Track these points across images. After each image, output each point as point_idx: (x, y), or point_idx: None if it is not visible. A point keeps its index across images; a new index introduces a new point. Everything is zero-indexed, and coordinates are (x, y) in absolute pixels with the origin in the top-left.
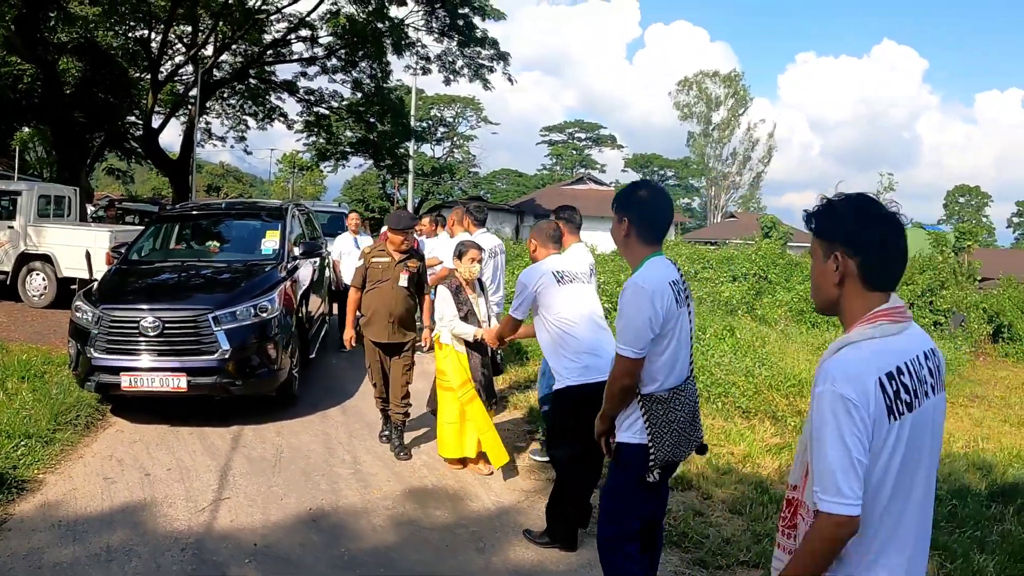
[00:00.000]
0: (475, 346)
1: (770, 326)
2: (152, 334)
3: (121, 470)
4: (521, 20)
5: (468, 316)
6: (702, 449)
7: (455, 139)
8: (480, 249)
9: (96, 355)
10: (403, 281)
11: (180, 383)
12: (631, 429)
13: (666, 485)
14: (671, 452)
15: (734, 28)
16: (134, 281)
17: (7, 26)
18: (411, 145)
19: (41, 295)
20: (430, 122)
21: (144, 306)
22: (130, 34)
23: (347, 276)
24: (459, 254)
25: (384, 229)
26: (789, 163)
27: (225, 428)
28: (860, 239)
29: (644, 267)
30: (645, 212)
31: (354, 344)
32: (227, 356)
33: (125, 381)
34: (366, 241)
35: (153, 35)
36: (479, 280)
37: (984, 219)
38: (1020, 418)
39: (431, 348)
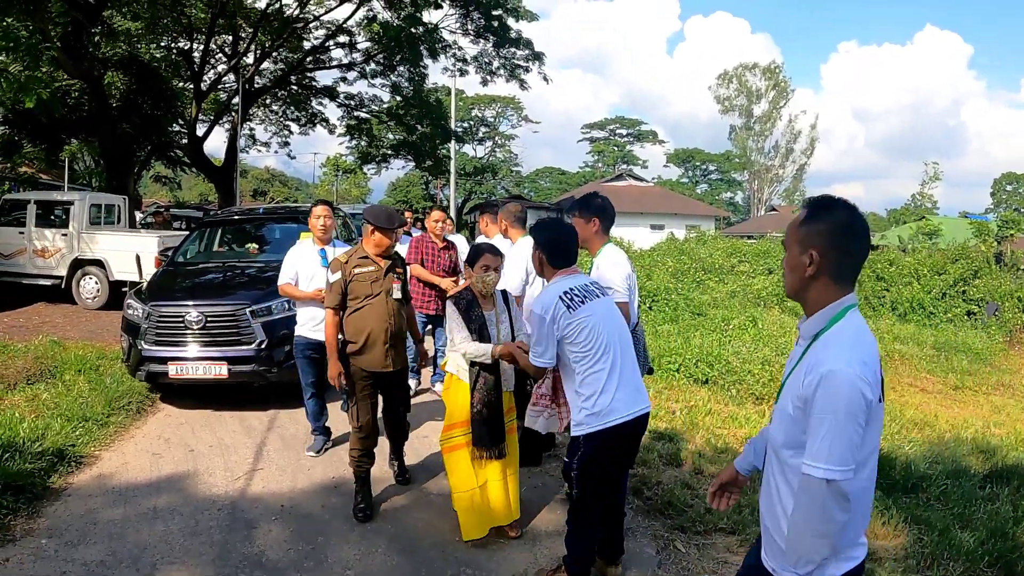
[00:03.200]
0: (485, 382)
1: (799, 317)
2: (196, 327)
3: (168, 447)
4: (560, 18)
5: (480, 338)
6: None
7: (496, 139)
8: (497, 254)
9: (146, 347)
10: (397, 292)
11: (221, 371)
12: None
13: None
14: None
15: (775, 18)
16: (180, 280)
17: (54, 44)
18: (452, 146)
19: (94, 297)
20: (471, 122)
21: (189, 302)
22: (172, 46)
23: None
24: (471, 260)
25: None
26: (834, 154)
27: (263, 412)
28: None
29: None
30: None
31: (344, 383)
32: (263, 346)
33: (172, 370)
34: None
35: (195, 46)
36: (502, 292)
37: None
38: None
39: (426, 365)
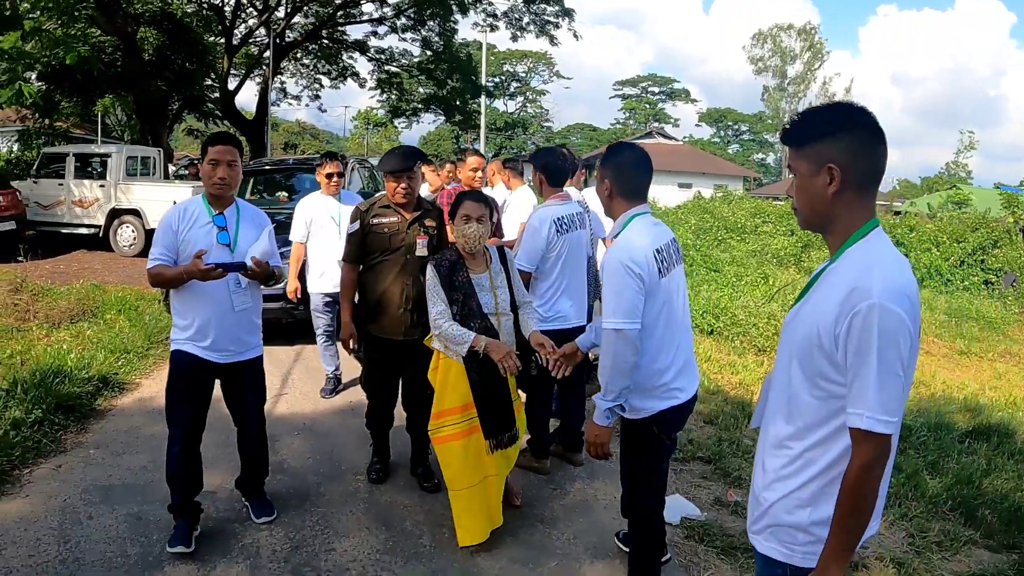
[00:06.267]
0: (483, 363)
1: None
2: None
3: None
4: None
5: (467, 309)
6: None
7: (528, 94)
8: (480, 201)
9: None
10: (421, 249)
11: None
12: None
13: None
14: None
15: None
16: None
17: (90, 2)
18: (482, 100)
19: (131, 245)
20: (502, 77)
21: None
22: (203, 1)
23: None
24: (451, 212)
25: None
26: None
27: (290, 347)
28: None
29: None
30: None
31: (357, 347)
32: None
33: None
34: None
35: (226, 0)
36: (499, 250)
37: None
38: None
39: None
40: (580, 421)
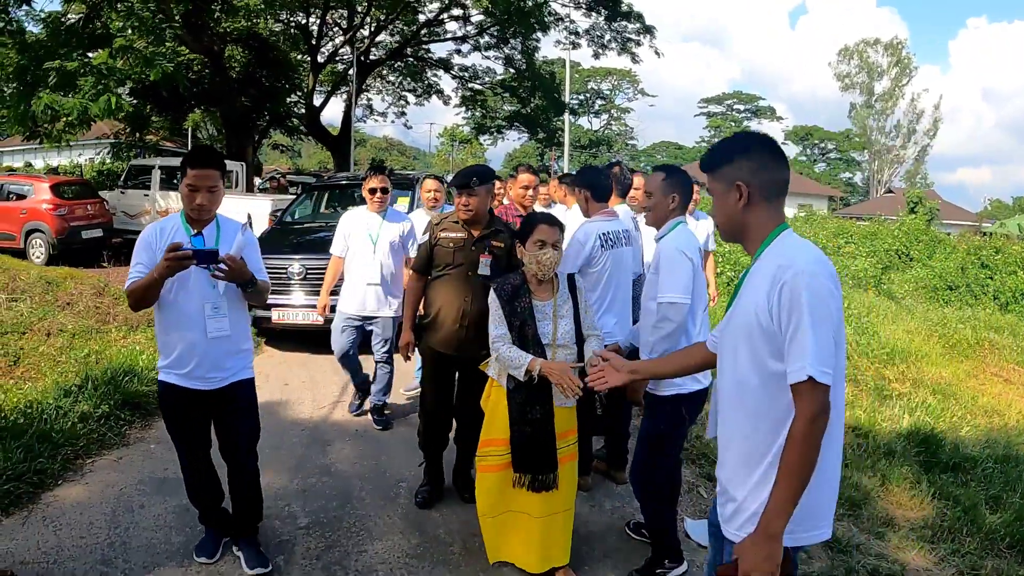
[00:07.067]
0: (529, 393)
1: (896, 301)
2: (297, 278)
3: (267, 381)
4: None
5: (523, 337)
6: None
7: (612, 111)
8: (554, 225)
9: None
10: (484, 268)
11: (318, 318)
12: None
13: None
14: None
15: None
16: (286, 237)
17: (177, 22)
18: (566, 118)
19: None
20: (587, 95)
21: (292, 256)
22: (290, 20)
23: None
24: (521, 235)
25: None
26: (961, 136)
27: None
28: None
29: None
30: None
31: (411, 355)
32: None
33: (275, 315)
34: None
35: (311, 20)
36: (569, 278)
37: None
38: None
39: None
40: (626, 438)
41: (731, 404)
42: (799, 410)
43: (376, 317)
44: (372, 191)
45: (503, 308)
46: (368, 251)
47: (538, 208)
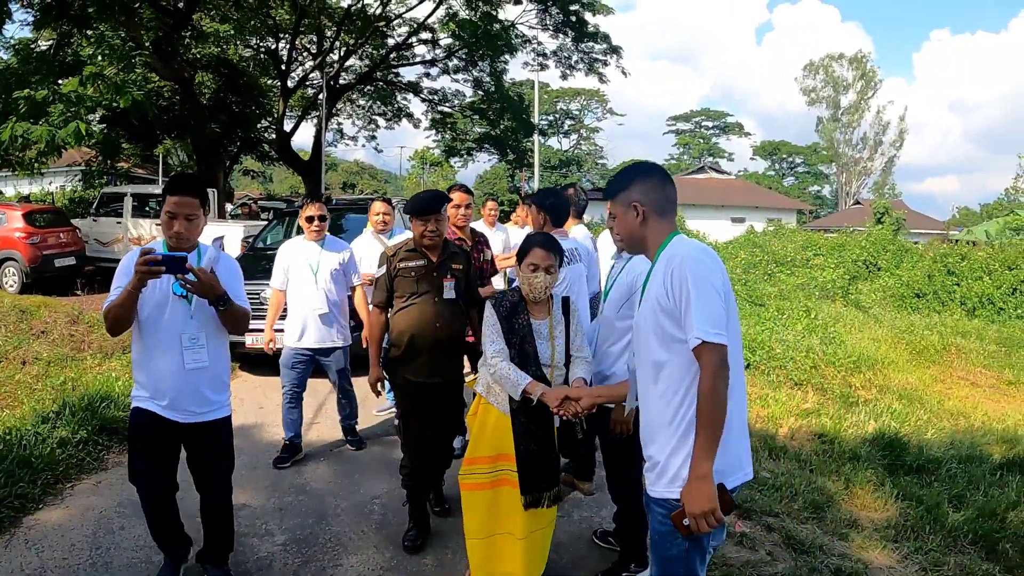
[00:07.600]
0: (531, 412)
1: (863, 310)
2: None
3: (241, 405)
4: (646, 10)
5: (523, 355)
6: None
7: (582, 131)
8: (550, 250)
9: None
10: (449, 292)
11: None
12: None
13: None
14: None
15: (864, 5)
16: (259, 263)
17: (147, 49)
18: (535, 139)
19: None
20: (556, 115)
21: (264, 281)
22: (259, 46)
23: None
24: (519, 256)
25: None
26: (928, 147)
27: (325, 378)
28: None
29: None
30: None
31: (382, 391)
32: None
33: (248, 340)
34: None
35: (281, 45)
36: (563, 300)
37: None
38: None
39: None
40: (593, 450)
41: (647, 382)
42: (702, 368)
43: (328, 348)
44: (310, 219)
45: (501, 324)
46: (310, 281)
47: (512, 230)
